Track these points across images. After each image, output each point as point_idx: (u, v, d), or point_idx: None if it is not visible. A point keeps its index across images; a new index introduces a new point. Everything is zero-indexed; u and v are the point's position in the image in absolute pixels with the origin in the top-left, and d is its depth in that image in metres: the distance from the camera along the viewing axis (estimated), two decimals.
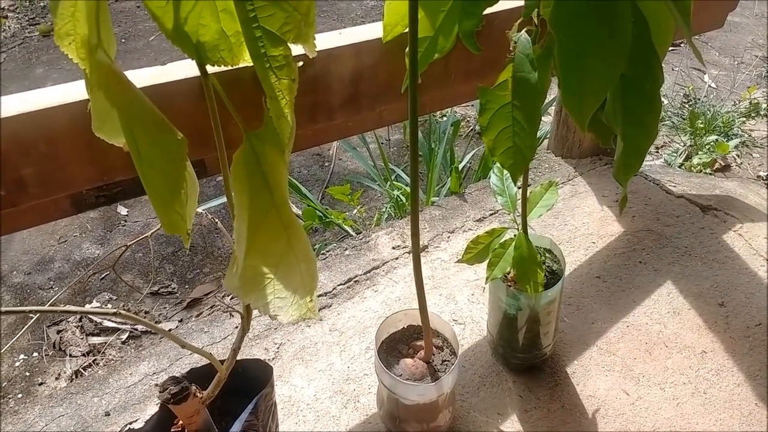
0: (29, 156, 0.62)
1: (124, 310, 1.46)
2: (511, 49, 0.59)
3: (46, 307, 0.46)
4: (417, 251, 0.70)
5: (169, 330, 1.23)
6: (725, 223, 1.27)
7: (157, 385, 1.00)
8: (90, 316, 1.44)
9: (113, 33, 0.43)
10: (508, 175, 0.88)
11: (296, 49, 0.49)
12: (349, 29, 0.78)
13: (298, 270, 0.50)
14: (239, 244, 0.47)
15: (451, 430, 0.92)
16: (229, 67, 0.49)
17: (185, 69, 0.65)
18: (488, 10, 0.78)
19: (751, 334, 1.05)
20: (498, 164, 0.92)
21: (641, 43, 0.52)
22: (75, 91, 0.61)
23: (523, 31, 0.59)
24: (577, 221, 1.29)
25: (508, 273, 0.90)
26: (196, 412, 0.63)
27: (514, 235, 0.85)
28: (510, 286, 0.89)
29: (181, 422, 0.65)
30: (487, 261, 0.84)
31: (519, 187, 0.84)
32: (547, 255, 0.93)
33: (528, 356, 0.98)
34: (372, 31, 0.76)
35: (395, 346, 0.87)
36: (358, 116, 0.83)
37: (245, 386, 0.74)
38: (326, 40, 0.75)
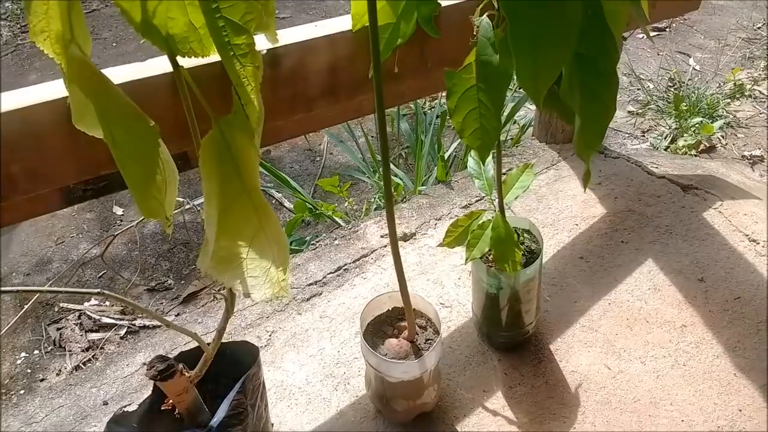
0: (16, 152, 0.64)
1: (122, 306, 1.48)
2: (474, 33, 0.62)
3: (32, 288, 0.49)
4: (393, 230, 0.73)
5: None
6: (705, 201, 1.29)
7: (144, 364, 1.03)
8: (88, 313, 1.47)
9: (87, 30, 0.46)
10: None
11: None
12: (324, 21, 0.80)
13: (270, 250, 0.53)
14: (209, 227, 0.49)
15: (438, 407, 0.95)
16: (201, 59, 0.52)
17: (164, 64, 0.68)
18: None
19: (729, 308, 1.07)
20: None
21: (595, 22, 0.55)
22: (57, 88, 0.64)
23: (485, 15, 0.62)
24: (561, 204, 1.32)
25: (489, 254, 0.92)
26: (185, 390, 0.66)
27: (492, 217, 0.88)
28: (490, 266, 0.91)
29: (170, 401, 0.68)
30: (466, 242, 0.87)
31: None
32: (525, 235, 0.96)
33: (512, 334, 1.00)
34: (347, 22, 0.78)
35: (381, 328, 0.90)
36: (338, 106, 0.85)
37: (233, 369, 0.77)
38: (302, 32, 0.77)
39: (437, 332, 0.88)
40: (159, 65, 0.68)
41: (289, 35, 0.75)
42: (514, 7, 0.49)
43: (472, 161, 0.94)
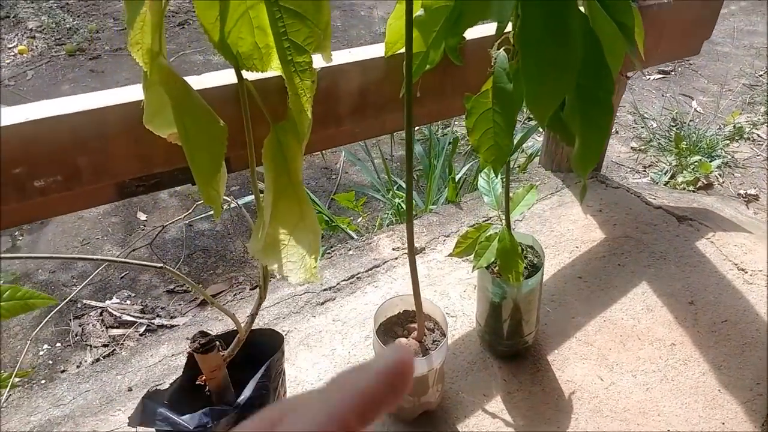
0: (84, 148, 0.73)
1: (142, 305, 1.56)
2: (491, 64, 0.71)
3: (95, 257, 0.57)
4: (411, 237, 0.81)
5: (184, 323, 1.34)
6: (699, 231, 1.38)
7: (187, 338, 1.10)
8: (110, 310, 1.55)
9: (165, 43, 0.55)
10: (495, 177, 1.00)
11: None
12: (356, 48, 0.90)
13: (306, 239, 0.61)
14: (266, 211, 0.58)
15: (441, 408, 1.02)
16: (260, 74, 0.61)
17: (216, 78, 0.78)
18: (479, 35, 0.91)
19: (717, 330, 1.15)
20: (485, 170, 1.04)
21: (595, 58, 0.64)
22: (124, 95, 0.74)
23: (501, 49, 0.71)
24: (563, 228, 1.40)
25: (494, 265, 1.00)
26: (218, 367, 0.73)
27: (499, 230, 0.96)
28: (495, 276, 0.99)
29: (204, 377, 0.76)
30: (474, 252, 0.95)
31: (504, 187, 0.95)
32: (529, 250, 1.04)
33: (512, 343, 1.08)
34: (377, 50, 0.88)
35: (392, 328, 0.98)
36: (364, 123, 0.94)
37: (258, 356, 0.84)
38: (337, 57, 0.87)
39: (444, 334, 0.95)
40: (212, 79, 0.77)
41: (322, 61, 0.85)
42: (526, 42, 0.58)
43: (482, 180, 1.03)
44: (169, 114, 0.58)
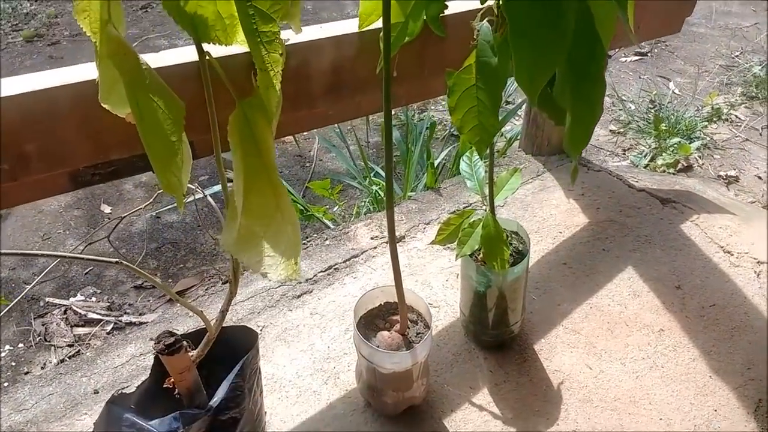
0: (32, 132, 0.67)
1: (108, 302, 1.49)
2: (474, 36, 0.66)
3: (45, 252, 0.51)
4: (392, 225, 0.76)
5: (153, 320, 1.27)
6: (683, 214, 1.35)
7: (151, 339, 1.04)
8: (75, 308, 1.48)
9: (122, 12, 0.49)
10: (477, 160, 0.95)
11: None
12: (328, 24, 0.84)
13: (285, 232, 0.56)
14: (238, 195, 0.52)
15: (426, 402, 0.98)
16: (225, 50, 0.55)
17: (177, 55, 0.71)
18: (460, 9, 0.86)
19: (705, 314, 1.12)
20: (467, 153, 0.99)
21: (586, 30, 0.59)
22: (75, 73, 0.67)
23: (485, 20, 0.66)
24: (545, 213, 1.36)
25: (478, 252, 0.96)
26: (187, 368, 0.68)
27: (482, 216, 0.92)
28: (479, 264, 0.95)
29: (172, 380, 0.70)
30: (457, 240, 0.91)
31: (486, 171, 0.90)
32: (513, 237, 1.00)
33: (498, 333, 1.04)
34: (350, 25, 0.82)
35: (373, 321, 0.93)
36: (338, 105, 0.89)
37: (231, 354, 0.79)
38: (308, 33, 0.81)
39: (428, 326, 0.91)
40: (172, 56, 0.71)
41: (294, 36, 0.79)
42: (515, 9, 0.53)
43: (464, 164, 0.98)
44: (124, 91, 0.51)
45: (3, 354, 1.42)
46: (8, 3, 3.08)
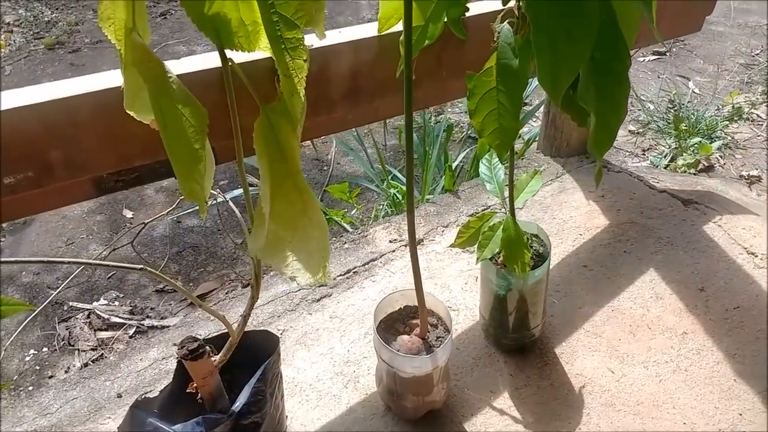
0: (56, 140, 0.67)
1: (131, 306, 1.51)
2: (494, 39, 0.66)
3: (73, 259, 0.52)
4: (412, 228, 0.76)
5: (175, 324, 1.28)
6: (705, 215, 1.33)
7: (174, 344, 1.04)
8: (98, 312, 1.49)
9: (147, 20, 0.49)
10: (497, 162, 0.95)
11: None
12: (347, 28, 0.85)
13: (313, 236, 0.56)
14: (265, 202, 0.52)
15: (446, 406, 0.97)
16: (247, 56, 0.56)
17: (199, 62, 0.72)
18: (480, 11, 0.86)
19: (729, 317, 1.11)
20: (486, 156, 0.99)
21: (609, 29, 0.59)
22: (99, 81, 0.68)
23: (505, 22, 0.66)
24: (565, 215, 1.35)
25: (498, 255, 0.96)
26: (210, 373, 0.68)
27: (503, 220, 0.91)
28: (500, 267, 0.94)
29: (195, 385, 0.70)
30: (477, 243, 0.90)
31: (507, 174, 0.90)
32: (534, 239, 1.00)
33: (518, 337, 1.03)
34: (369, 30, 0.83)
35: (393, 325, 0.93)
36: (357, 109, 0.89)
37: (253, 359, 0.79)
38: (327, 38, 0.81)
39: (448, 330, 0.90)
40: (194, 63, 0.71)
41: (313, 40, 0.79)
42: (538, 10, 0.52)
43: (483, 167, 0.97)
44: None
45: (27, 358, 1.44)
46: (30, 11, 3.13)
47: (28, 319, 1.48)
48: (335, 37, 0.82)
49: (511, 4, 0.67)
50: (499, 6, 0.81)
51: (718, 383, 1.00)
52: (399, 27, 0.72)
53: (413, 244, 0.81)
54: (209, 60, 0.70)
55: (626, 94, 0.60)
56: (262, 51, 0.54)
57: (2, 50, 2.80)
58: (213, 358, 0.69)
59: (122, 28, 0.46)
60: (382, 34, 0.75)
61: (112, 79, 0.66)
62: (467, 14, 0.79)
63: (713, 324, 1.09)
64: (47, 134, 0.66)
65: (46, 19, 3.11)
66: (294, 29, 0.48)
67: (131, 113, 0.56)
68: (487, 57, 0.70)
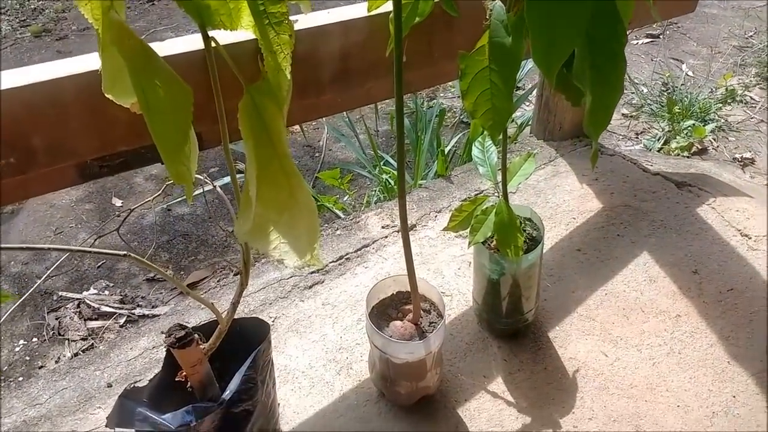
0: (38, 125, 0.66)
1: (121, 295, 1.49)
2: (487, 16, 0.64)
3: (56, 246, 0.50)
4: (404, 213, 0.75)
5: (165, 313, 1.27)
6: (699, 197, 1.33)
7: (162, 332, 1.03)
8: (88, 302, 1.48)
9: (124, 2, 0.47)
10: (490, 145, 0.93)
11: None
12: (336, 8, 0.83)
13: (301, 218, 0.55)
14: (251, 186, 0.51)
15: (440, 391, 0.97)
16: (230, 36, 0.54)
17: (183, 44, 0.70)
18: None
19: (723, 299, 1.10)
20: (479, 139, 0.97)
21: (605, 6, 0.57)
22: (81, 64, 0.66)
23: None
24: (558, 199, 1.34)
25: (491, 239, 0.95)
26: (199, 361, 0.67)
27: (495, 203, 0.90)
28: (493, 252, 0.93)
29: (184, 373, 0.69)
30: (470, 227, 0.89)
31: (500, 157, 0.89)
32: (527, 223, 0.99)
33: (511, 321, 1.03)
34: (358, 10, 0.81)
35: (385, 311, 0.92)
36: (348, 92, 0.87)
37: (243, 346, 0.78)
38: (315, 19, 0.80)
39: (441, 315, 0.89)
40: (178, 45, 0.70)
41: (301, 21, 0.78)
42: None
43: (476, 150, 0.96)
44: (129, 79, 0.50)
45: (17, 349, 1.42)
46: None
47: (14, 307, 1.46)
48: (324, 17, 0.80)
49: None
50: None
51: (711, 366, 1.00)
52: (389, 6, 0.70)
53: (405, 229, 0.80)
54: (192, 42, 0.68)
55: (623, 72, 0.59)
56: (245, 30, 0.52)
57: None
58: (202, 346, 0.67)
59: (99, 6, 0.44)
60: (372, 14, 0.73)
61: (93, 61, 0.64)
62: None
63: (707, 306, 1.09)
64: (29, 119, 0.65)
65: (32, 6, 3.06)
66: (278, 3, 0.46)
67: (110, 96, 0.54)
68: (479, 36, 0.69)
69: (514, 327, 1.04)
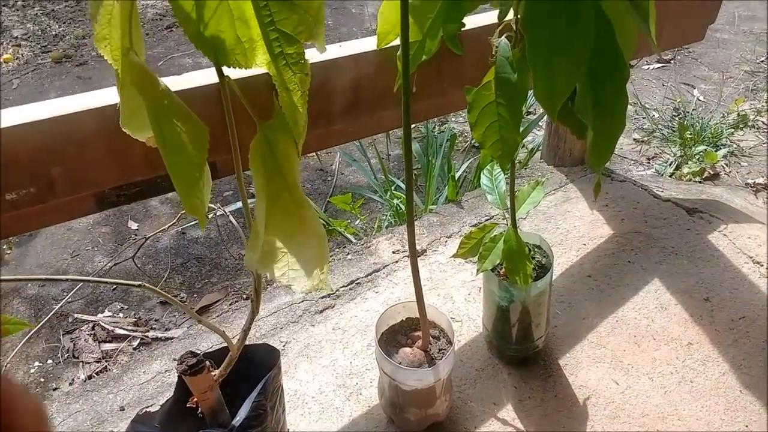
0: (57, 156, 0.68)
1: (135, 318, 1.51)
2: (492, 53, 0.66)
3: (72, 277, 0.52)
4: (412, 239, 0.76)
5: (178, 336, 1.29)
6: (710, 224, 1.32)
7: (174, 359, 1.05)
8: (102, 324, 1.50)
9: (143, 39, 0.50)
10: (498, 173, 0.95)
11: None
12: (348, 42, 0.85)
13: (309, 245, 0.56)
14: (260, 220, 0.53)
15: (449, 418, 0.97)
16: (245, 72, 0.56)
17: (199, 78, 0.72)
18: (478, 24, 0.86)
19: (735, 327, 1.10)
20: (487, 167, 0.99)
21: (606, 41, 0.59)
22: (99, 98, 0.68)
23: (503, 36, 0.66)
24: (569, 224, 1.35)
25: (501, 267, 0.95)
26: (210, 388, 0.68)
27: (504, 231, 0.91)
28: (502, 279, 0.94)
29: (195, 399, 0.70)
30: (478, 254, 0.90)
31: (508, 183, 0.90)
32: (536, 250, 0.99)
33: (522, 348, 1.03)
34: (369, 43, 0.83)
35: (394, 337, 0.93)
36: (359, 122, 0.89)
37: (253, 372, 0.79)
38: (327, 52, 0.82)
39: (450, 342, 0.90)
40: (195, 78, 0.72)
41: (314, 55, 0.80)
42: (533, 25, 0.53)
43: (485, 178, 0.97)
44: (146, 115, 0.52)
45: (32, 370, 1.44)
46: (37, 25, 3.17)
47: (32, 331, 1.49)
48: (336, 51, 0.82)
49: (509, 18, 0.67)
50: (497, 20, 0.81)
51: (723, 394, 0.99)
52: (398, 42, 0.72)
53: (414, 255, 0.81)
54: (208, 76, 0.70)
55: (624, 106, 0.60)
56: (260, 68, 0.54)
57: (10, 64, 2.83)
58: (213, 373, 0.69)
59: (118, 48, 0.47)
60: (382, 48, 0.75)
61: (112, 95, 0.67)
62: (465, 28, 0.79)
63: (719, 334, 1.09)
64: (49, 151, 0.67)
65: (53, 32, 3.15)
66: (294, 44, 0.48)
67: (127, 131, 0.56)
68: (487, 68, 0.70)
69: (524, 354, 1.04)
